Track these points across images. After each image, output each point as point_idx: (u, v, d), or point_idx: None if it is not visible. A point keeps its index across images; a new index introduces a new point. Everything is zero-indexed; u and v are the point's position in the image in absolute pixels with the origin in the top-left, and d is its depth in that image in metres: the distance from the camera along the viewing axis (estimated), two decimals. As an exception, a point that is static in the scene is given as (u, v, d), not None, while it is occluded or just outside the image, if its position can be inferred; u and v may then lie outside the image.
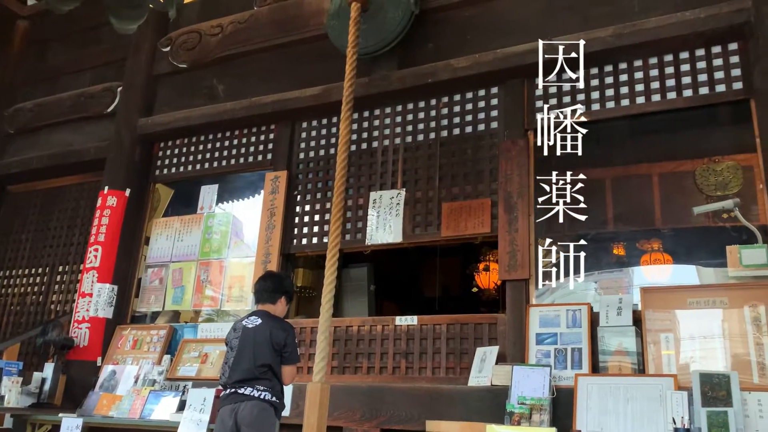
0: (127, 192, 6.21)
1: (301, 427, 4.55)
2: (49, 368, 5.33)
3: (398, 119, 5.46)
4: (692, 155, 4.95)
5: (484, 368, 4.33)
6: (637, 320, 4.06)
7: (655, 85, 4.56)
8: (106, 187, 6.20)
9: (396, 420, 4.41)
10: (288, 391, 4.75)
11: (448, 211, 4.97)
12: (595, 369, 4.05)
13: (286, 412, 4.67)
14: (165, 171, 6.49)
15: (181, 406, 4.65)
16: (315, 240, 5.45)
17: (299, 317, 6.24)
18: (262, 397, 3.64)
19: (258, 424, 3.59)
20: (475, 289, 8.93)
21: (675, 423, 3.46)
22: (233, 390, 3.67)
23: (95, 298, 5.83)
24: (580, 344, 4.18)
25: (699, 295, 4.00)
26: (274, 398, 3.71)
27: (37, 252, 7.01)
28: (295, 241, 5.53)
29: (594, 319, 4.21)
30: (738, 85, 4.33)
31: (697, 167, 4.83)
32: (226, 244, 5.88)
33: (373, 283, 6.33)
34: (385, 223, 5.12)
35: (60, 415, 4.78)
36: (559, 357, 4.21)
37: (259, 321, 3.86)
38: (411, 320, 4.80)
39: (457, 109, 5.24)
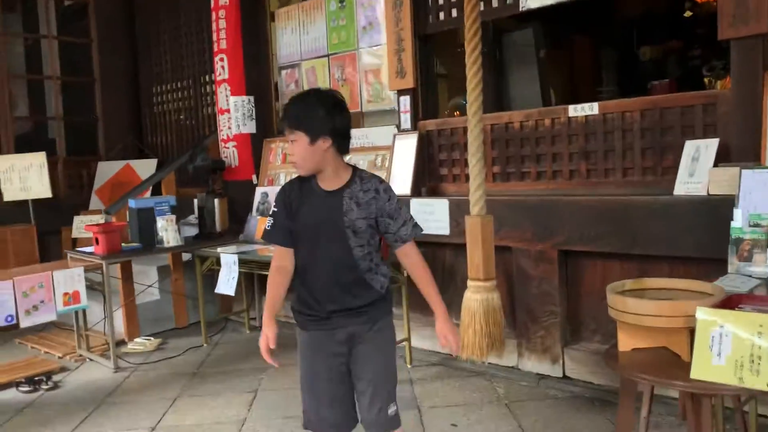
0: (237, -17, 5.30)
1: (462, 246, 3.91)
2: (204, 195, 5.15)
3: None
4: None
5: (697, 170, 3.13)
6: None
7: None
8: (213, -18, 5.34)
9: (577, 240, 3.51)
10: (444, 208, 4.04)
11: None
12: None
13: (445, 231, 4.04)
14: (272, -52, 5.39)
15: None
16: (455, 12, 4.20)
17: (456, 100, 5.28)
18: None
19: None
20: (688, 13, 6.97)
21: None
22: None
23: (233, 113, 5.34)
24: None
25: None
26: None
27: (176, 64, 6.62)
28: (430, 17, 4.33)
29: None
30: None
31: None
32: (354, 31, 4.86)
33: (544, 47, 4.99)
34: (543, -26, 3.68)
35: (219, 249, 4.62)
36: (817, 149, 2.85)
37: None
38: (589, 109, 3.59)
39: None
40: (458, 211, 3.94)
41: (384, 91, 4.69)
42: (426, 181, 4.39)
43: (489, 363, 3.85)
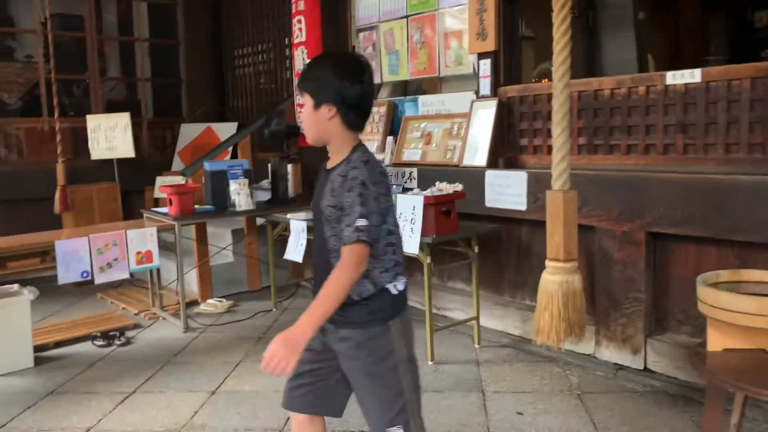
0: (318, -59, 5.13)
1: (540, 223, 3.65)
2: (278, 160, 5.09)
3: None
4: None
5: (816, 148, 2.73)
6: None
7: None
8: (295, -58, 5.20)
9: (669, 221, 3.18)
10: (522, 181, 3.78)
11: None
12: None
13: (522, 206, 3.79)
14: None
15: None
16: (543, -32, 3.87)
17: (544, 66, 4.93)
18: None
19: None
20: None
21: None
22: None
23: (309, 77, 5.22)
24: None
25: None
26: None
27: (258, 27, 6.57)
28: (517, -26, 4.03)
29: None
30: None
31: None
32: (435, -10, 4.61)
33: (643, 9, 4.55)
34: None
35: (288, 215, 4.55)
36: None
37: None
38: (690, 77, 3.21)
39: None
40: (538, 186, 3.67)
41: (465, 57, 4.41)
42: (504, 152, 4.13)
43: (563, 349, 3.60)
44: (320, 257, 1.91)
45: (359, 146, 1.87)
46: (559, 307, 3.02)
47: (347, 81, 1.81)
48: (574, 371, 3.51)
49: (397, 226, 1.90)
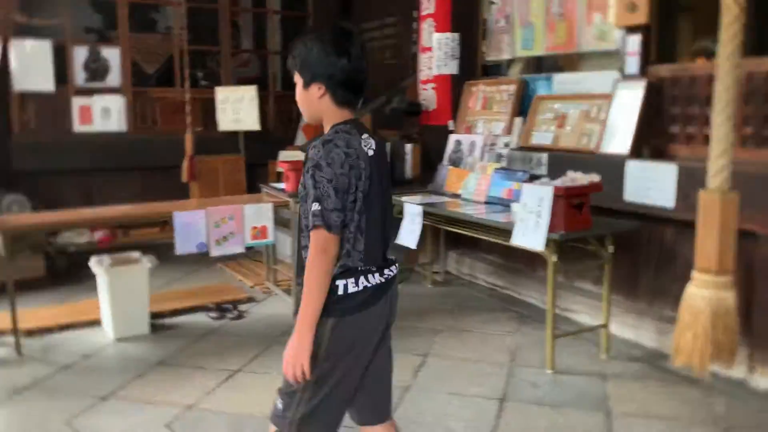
0: None
1: (689, 225, 3.16)
2: (397, 140, 4.88)
3: None
4: None
5: None
6: None
7: None
8: None
9: None
10: (671, 175, 3.30)
11: None
12: None
13: (669, 204, 3.32)
14: None
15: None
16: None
17: (702, 43, 4.32)
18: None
19: None
20: None
21: None
22: (385, 277, 1.84)
23: (435, 51, 4.96)
24: None
25: None
26: None
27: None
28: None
29: None
30: None
31: None
32: (579, -45, 4.13)
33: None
34: None
35: (403, 198, 4.33)
36: None
37: (373, 142, 1.81)
38: None
39: None
40: (689, 182, 3.17)
41: (609, 32, 3.92)
42: (650, 140, 3.64)
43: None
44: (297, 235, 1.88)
45: (335, 125, 1.75)
46: (706, 326, 2.58)
47: (333, 56, 1.71)
48: (720, 399, 3.02)
49: (362, 212, 1.70)
